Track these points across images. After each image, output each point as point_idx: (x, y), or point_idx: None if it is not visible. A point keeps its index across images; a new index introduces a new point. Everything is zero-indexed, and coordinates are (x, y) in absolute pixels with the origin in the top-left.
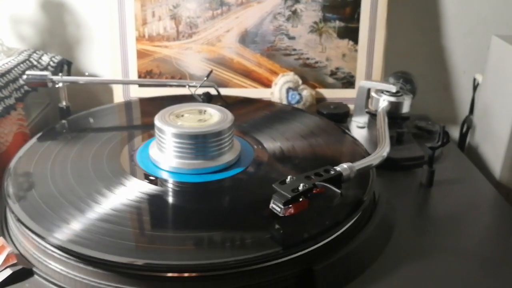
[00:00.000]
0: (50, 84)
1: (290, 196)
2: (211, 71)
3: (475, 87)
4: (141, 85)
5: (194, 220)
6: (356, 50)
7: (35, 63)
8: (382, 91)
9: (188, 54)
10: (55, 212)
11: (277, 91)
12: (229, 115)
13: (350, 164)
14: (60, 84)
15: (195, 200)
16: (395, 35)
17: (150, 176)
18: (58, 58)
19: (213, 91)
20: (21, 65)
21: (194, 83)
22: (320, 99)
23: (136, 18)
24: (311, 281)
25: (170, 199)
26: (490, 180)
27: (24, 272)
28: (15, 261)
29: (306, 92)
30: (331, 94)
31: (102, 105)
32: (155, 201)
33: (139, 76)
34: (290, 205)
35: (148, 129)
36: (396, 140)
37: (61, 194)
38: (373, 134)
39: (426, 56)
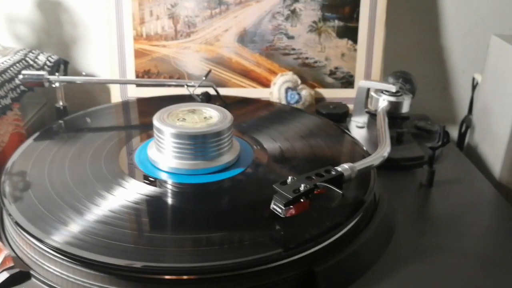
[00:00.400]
0: (46, 84)
1: (291, 197)
2: (209, 71)
3: (474, 86)
4: (139, 85)
5: (194, 221)
6: (355, 50)
7: (31, 62)
8: (381, 91)
9: (186, 53)
10: (53, 214)
11: (276, 91)
12: (229, 115)
13: (351, 164)
14: (57, 84)
15: (194, 201)
16: (394, 34)
17: (148, 177)
18: (54, 57)
19: (211, 91)
20: (17, 64)
21: (192, 83)
22: (319, 99)
23: (133, 17)
24: (312, 282)
25: (169, 200)
26: (489, 180)
27: (21, 275)
28: (12, 264)
29: (305, 92)
30: (330, 94)
31: (99, 105)
32: (154, 203)
33: (137, 76)
34: (291, 206)
35: (146, 130)
36: (396, 140)
37: (59, 195)
38: (373, 134)
39: (425, 55)
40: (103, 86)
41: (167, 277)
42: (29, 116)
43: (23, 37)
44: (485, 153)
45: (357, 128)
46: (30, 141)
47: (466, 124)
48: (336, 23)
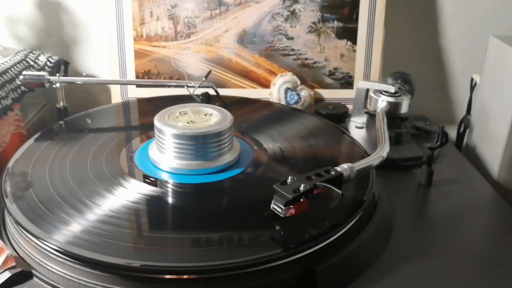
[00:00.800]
0: (47, 85)
1: (291, 197)
2: (209, 72)
3: (472, 87)
4: (139, 86)
5: (194, 221)
6: (354, 51)
7: (32, 63)
8: (380, 92)
9: (186, 54)
10: (54, 214)
11: (275, 91)
12: (229, 116)
13: (350, 164)
14: (58, 85)
15: (194, 201)
16: (393, 35)
17: (149, 177)
18: (55, 58)
19: (211, 92)
20: (18, 65)
21: (192, 84)
22: (318, 100)
23: (133, 18)
24: (312, 282)
25: (170, 200)
26: (488, 180)
27: (23, 274)
28: (13, 264)
29: (305, 93)
30: (330, 94)
31: (100, 106)
32: (154, 202)
33: (137, 77)
34: (291, 206)
35: (146, 130)
36: (395, 141)
37: (60, 195)
38: (372, 134)
39: (424, 56)
40: (103, 87)
41: (167, 276)
42: (30, 117)
43: (24, 38)
44: (483, 153)
45: (356, 129)
46: (31, 141)
47: (465, 124)
48: (336, 24)
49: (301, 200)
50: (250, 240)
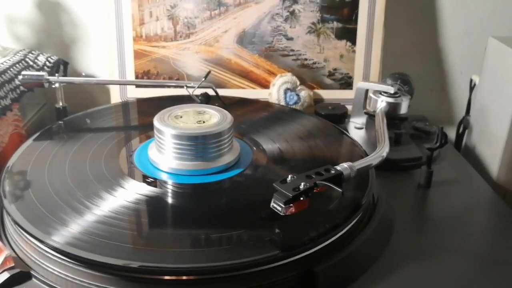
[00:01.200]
0: (46, 85)
1: (291, 195)
2: (209, 72)
3: (471, 88)
4: (138, 86)
5: (193, 222)
6: (354, 51)
7: (31, 63)
8: (380, 92)
9: (185, 54)
10: (53, 214)
11: (275, 92)
12: (229, 116)
13: (350, 163)
14: (57, 85)
15: (194, 202)
16: (393, 36)
17: (149, 177)
18: (54, 58)
19: (211, 92)
20: (17, 65)
21: (192, 84)
22: (318, 100)
23: (133, 18)
24: (311, 282)
25: (169, 201)
26: (487, 181)
27: (22, 275)
28: (12, 264)
29: (304, 93)
30: (329, 95)
31: (99, 106)
32: (153, 203)
33: (136, 77)
34: (291, 204)
35: (146, 130)
36: (394, 141)
37: (59, 196)
38: (371, 135)
39: (423, 57)
40: (102, 87)
41: (166, 277)
42: (29, 117)
43: (23, 38)
44: (482, 154)
45: (356, 129)
46: (30, 141)
47: (464, 125)
48: (335, 24)
49: (301, 198)
50: (250, 240)
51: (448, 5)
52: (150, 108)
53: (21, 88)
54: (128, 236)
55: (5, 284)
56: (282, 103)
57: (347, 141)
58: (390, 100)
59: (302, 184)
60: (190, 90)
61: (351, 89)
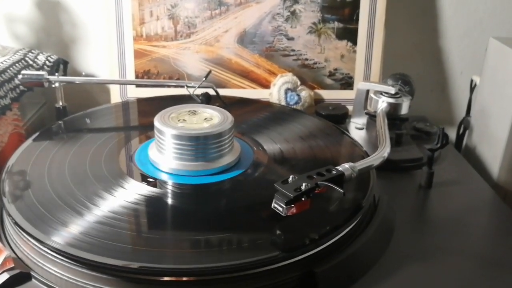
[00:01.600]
0: (46, 84)
1: (292, 196)
2: (209, 72)
3: (472, 88)
4: (138, 85)
5: (194, 222)
6: (354, 51)
7: (30, 62)
8: (380, 93)
9: (186, 54)
10: (53, 215)
11: (275, 92)
12: (229, 117)
13: (351, 164)
14: (57, 84)
15: (194, 202)
16: (393, 36)
17: (149, 177)
18: (54, 57)
19: (211, 92)
20: (17, 64)
21: (192, 84)
22: (318, 100)
23: (133, 18)
24: (312, 284)
25: (169, 201)
26: (487, 181)
27: (21, 276)
28: (12, 265)
29: (305, 93)
30: (330, 95)
31: (99, 106)
32: (154, 203)
33: (137, 76)
34: (293, 205)
35: (146, 130)
36: (395, 142)
37: (59, 196)
38: (372, 135)
39: (423, 57)
40: (102, 87)
41: (166, 278)
42: (29, 116)
43: (23, 37)
44: (483, 155)
45: (356, 129)
46: (29, 141)
47: (464, 125)
48: (336, 24)
49: (303, 199)
50: (250, 241)
51: (448, 5)
52: (150, 108)
53: (21, 87)
54: (128, 237)
55: (5, 285)
56: (283, 103)
57: (347, 141)
58: (391, 100)
59: (304, 184)
60: (191, 90)
61: (352, 89)
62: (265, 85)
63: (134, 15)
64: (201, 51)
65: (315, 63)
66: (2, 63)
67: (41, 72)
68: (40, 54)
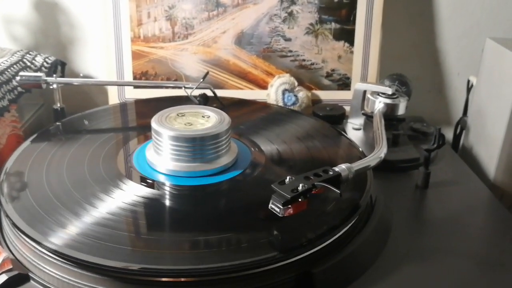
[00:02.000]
0: (44, 86)
1: (289, 197)
2: (207, 73)
3: (469, 89)
4: (136, 87)
5: (192, 223)
6: (351, 52)
7: (28, 64)
8: (378, 93)
9: (183, 55)
10: (51, 216)
11: (273, 92)
12: (226, 118)
13: (348, 164)
14: (54, 86)
15: (192, 203)
16: (390, 37)
17: (147, 179)
18: (52, 59)
19: (209, 93)
20: (14, 66)
21: (190, 85)
22: (316, 101)
23: (131, 19)
24: (309, 284)
25: (167, 202)
26: (484, 182)
27: (20, 277)
28: (10, 267)
29: (302, 94)
30: (327, 95)
31: (97, 107)
32: (151, 205)
33: (134, 78)
34: (290, 206)
35: (144, 131)
36: (392, 142)
37: (57, 197)
38: (369, 136)
39: (420, 58)
40: (100, 88)
41: (164, 279)
42: (27, 118)
43: (20, 38)
44: (479, 155)
45: (354, 130)
46: (27, 143)
47: (461, 126)
48: (333, 25)
49: (300, 200)
50: (248, 242)
51: (445, 6)
52: (148, 109)
53: (19, 89)
54: (126, 238)
55: (3, 286)
56: (280, 104)
57: (345, 142)
58: (388, 101)
59: (301, 185)
60: (188, 91)
61: (349, 90)
62: (263, 86)
63: (131, 16)
64: (198, 52)
65: (312, 64)
66: (0, 64)
67: (39, 74)
68: (38, 55)
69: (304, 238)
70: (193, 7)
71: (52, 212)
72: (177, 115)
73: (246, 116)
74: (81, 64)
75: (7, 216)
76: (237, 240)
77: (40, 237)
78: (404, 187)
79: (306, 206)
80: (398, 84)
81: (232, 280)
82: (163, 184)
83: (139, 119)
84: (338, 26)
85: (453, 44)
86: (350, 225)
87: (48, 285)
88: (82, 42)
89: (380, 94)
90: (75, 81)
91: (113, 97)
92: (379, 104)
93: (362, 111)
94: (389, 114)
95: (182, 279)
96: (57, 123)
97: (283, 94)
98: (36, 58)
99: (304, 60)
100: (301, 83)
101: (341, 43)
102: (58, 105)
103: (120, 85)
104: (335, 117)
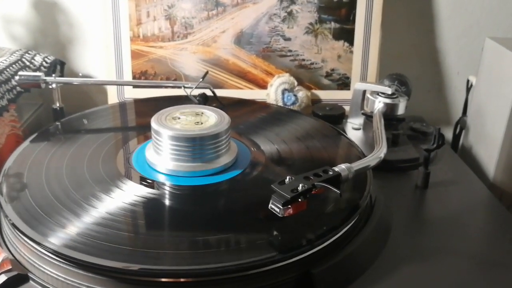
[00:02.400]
0: (43, 85)
1: (289, 197)
2: (206, 72)
3: (468, 88)
4: (135, 86)
5: (191, 223)
6: (351, 52)
7: (27, 63)
8: (377, 93)
9: (183, 54)
10: (50, 216)
11: (272, 92)
12: (226, 117)
13: (348, 164)
14: (54, 85)
15: (192, 203)
16: (390, 37)
17: (146, 179)
18: (51, 58)
19: (208, 92)
20: (14, 65)
21: (189, 84)
22: (315, 101)
23: (130, 18)
24: (309, 284)
25: (167, 202)
26: (483, 181)
27: (19, 277)
28: (10, 267)
29: (302, 94)
30: (327, 95)
31: (96, 107)
32: (151, 204)
33: (134, 77)
34: (289, 206)
35: (143, 131)
36: (392, 142)
37: (56, 197)
38: (369, 135)
39: (420, 57)
40: (100, 87)
41: (164, 279)
42: (26, 117)
43: (19, 38)
44: (479, 155)
45: (353, 130)
46: (27, 142)
47: (461, 125)
48: (333, 25)
49: (300, 200)
50: (248, 242)
51: (445, 6)
52: (147, 109)
53: (18, 88)
54: (126, 238)
55: (3, 286)
56: (280, 103)
57: (344, 142)
58: (388, 101)
59: (300, 185)
60: (188, 91)
61: (349, 89)
62: (262, 85)
63: (131, 15)
64: (198, 51)
65: (312, 63)
66: None
67: (38, 73)
68: (37, 55)
69: (304, 238)
70: (193, 7)
71: (51, 212)
72: (177, 114)
73: (246, 116)
74: (81, 63)
75: (6, 216)
76: (237, 240)
77: (40, 237)
78: (404, 187)
79: (306, 206)
80: (397, 83)
81: (232, 280)
82: (163, 184)
83: (138, 119)
84: (337, 25)
85: (452, 44)
86: (350, 225)
87: (48, 286)
88: (81, 41)
89: (380, 94)
90: (74, 80)
91: (113, 96)
92: (379, 104)
93: (362, 111)
94: (389, 114)
95: (182, 280)
96: (57, 123)
97: (283, 93)
98: (35, 58)
99: (303, 59)
100: (300, 82)
101: (341, 42)
102: (58, 104)
103: (119, 84)
104: (334, 117)
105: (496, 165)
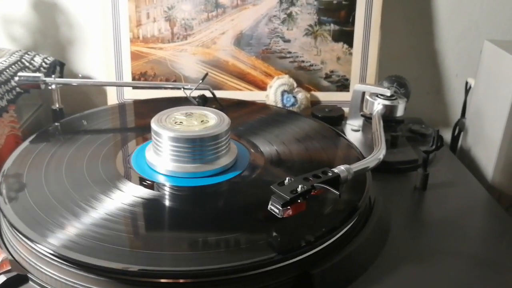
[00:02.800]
0: (42, 86)
1: (288, 198)
2: (206, 74)
3: (467, 90)
4: (135, 87)
5: (191, 224)
6: (350, 53)
7: (27, 64)
8: (376, 95)
9: (183, 56)
10: (50, 217)
11: (272, 93)
12: (226, 119)
13: (347, 166)
14: (53, 86)
15: (191, 204)
16: (389, 38)
17: (146, 180)
18: (50, 59)
19: (208, 94)
20: (13, 66)
21: (189, 86)
22: (314, 102)
23: (130, 20)
24: (309, 285)
25: (166, 203)
26: (482, 183)
27: (18, 278)
28: (9, 268)
29: (301, 95)
30: (326, 97)
31: (96, 108)
32: (151, 205)
33: (133, 78)
34: (289, 207)
35: (143, 132)
36: (391, 144)
37: (56, 198)
38: (368, 137)
39: (419, 59)
40: (99, 88)
41: (163, 280)
42: (25, 118)
43: (19, 39)
44: (477, 156)
45: (352, 131)
46: (26, 143)
47: (459, 127)
48: (332, 27)
49: (299, 201)
50: (247, 243)
51: (444, 8)
52: (147, 110)
53: (17, 89)
54: (125, 239)
55: (2, 287)
56: (279, 105)
57: (343, 143)
58: (387, 102)
59: (300, 186)
60: (188, 92)
61: (348, 91)
62: (262, 87)
63: (130, 17)
64: (198, 53)
65: (311, 65)
66: None
67: (37, 74)
68: (37, 55)
69: (303, 239)
70: (192, 8)
71: (50, 213)
72: (177, 116)
73: (245, 117)
74: (80, 64)
75: (5, 216)
76: (237, 241)
77: (39, 238)
78: (403, 189)
79: (305, 207)
80: (396, 85)
81: (232, 281)
82: (163, 185)
83: (138, 120)
84: (337, 27)
85: (451, 46)
86: (349, 226)
87: (47, 286)
88: (81, 42)
89: (379, 96)
90: (74, 81)
91: (112, 97)
92: (378, 105)
93: (361, 113)
94: (388, 116)
95: (181, 281)
96: (56, 124)
97: (282, 95)
98: (35, 59)
99: (303, 61)
100: (300, 84)
101: (340, 44)
102: (57, 105)
103: (119, 85)
104: (334, 119)
105: (495, 166)
